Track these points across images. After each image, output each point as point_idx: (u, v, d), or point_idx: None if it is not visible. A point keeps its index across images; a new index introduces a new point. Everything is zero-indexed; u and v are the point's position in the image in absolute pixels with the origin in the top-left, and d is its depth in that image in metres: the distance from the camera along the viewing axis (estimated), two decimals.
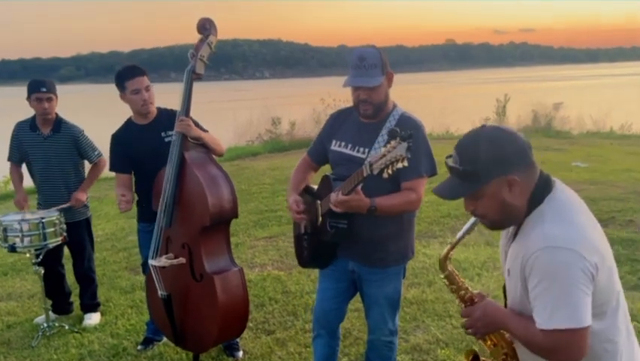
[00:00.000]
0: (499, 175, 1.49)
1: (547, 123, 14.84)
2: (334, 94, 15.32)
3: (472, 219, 1.69)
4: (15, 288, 4.80)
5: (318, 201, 2.56)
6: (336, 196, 2.29)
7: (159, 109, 3.33)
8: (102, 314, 4.10)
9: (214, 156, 3.21)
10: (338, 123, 2.64)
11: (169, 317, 3.13)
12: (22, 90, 3.98)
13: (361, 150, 2.46)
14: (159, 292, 3.11)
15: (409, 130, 2.03)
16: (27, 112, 3.95)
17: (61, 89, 4.18)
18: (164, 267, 3.05)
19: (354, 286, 2.67)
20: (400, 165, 2.03)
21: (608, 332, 1.51)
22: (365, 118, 2.48)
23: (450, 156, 1.57)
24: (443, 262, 1.77)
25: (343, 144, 2.55)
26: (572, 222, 1.47)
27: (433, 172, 2.44)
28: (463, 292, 1.74)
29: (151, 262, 3.08)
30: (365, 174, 2.16)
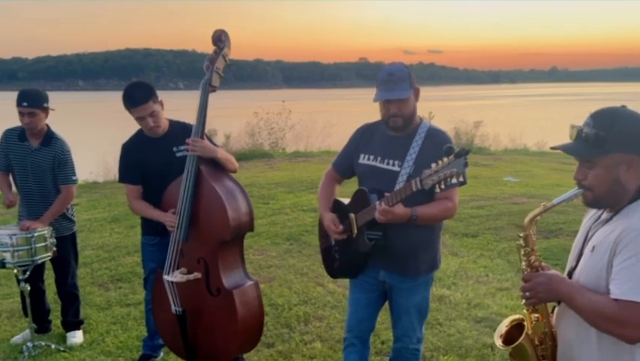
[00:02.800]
0: (624, 150, 1.55)
1: (468, 140, 15.76)
2: (268, 107, 15.47)
3: (574, 191, 1.70)
4: None
5: (352, 215, 2.63)
6: (380, 207, 2.38)
7: (171, 122, 3.25)
8: (83, 332, 3.89)
9: None
10: (366, 137, 2.73)
11: (182, 333, 3.05)
12: None
13: (391, 162, 2.57)
14: (173, 308, 3.04)
15: (462, 147, 2.18)
16: None
17: None
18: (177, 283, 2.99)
19: (384, 296, 2.76)
20: (454, 181, 2.16)
21: None
22: (394, 131, 2.58)
23: (577, 126, 1.62)
24: (529, 223, 1.76)
25: (372, 157, 2.64)
26: None
27: (464, 182, 2.60)
28: (533, 257, 1.75)
29: (166, 277, 3.00)
30: (415, 189, 2.27)
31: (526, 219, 1.78)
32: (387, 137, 2.63)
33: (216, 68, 3.05)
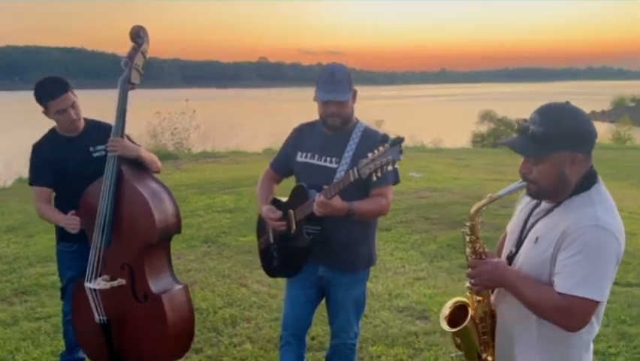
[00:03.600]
0: (568, 148, 1.60)
1: None
2: (168, 107, 15.01)
3: (518, 183, 1.74)
4: None
5: (291, 211, 2.64)
6: (318, 199, 2.40)
7: (87, 120, 3.06)
8: None
9: None
10: (303, 136, 2.76)
11: (107, 343, 2.89)
12: None
13: (328, 159, 2.61)
14: (97, 318, 2.87)
15: (397, 137, 2.26)
16: None
17: None
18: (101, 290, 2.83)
19: (321, 293, 2.79)
20: (389, 168, 2.25)
21: (598, 313, 1.70)
22: (332, 130, 2.63)
23: (524, 120, 1.65)
24: (475, 213, 1.81)
25: (309, 154, 2.67)
26: (616, 214, 1.65)
27: (397, 180, 2.69)
28: (478, 245, 1.81)
29: (88, 285, 2.83)
30: (352, 179, 2.33)
31: (473, 210, 1.83)
32: (324, 135, 2.66)
33: (135, 65, 2.93)
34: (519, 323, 1.76)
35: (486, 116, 19.27)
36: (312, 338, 3.68)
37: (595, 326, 1.73)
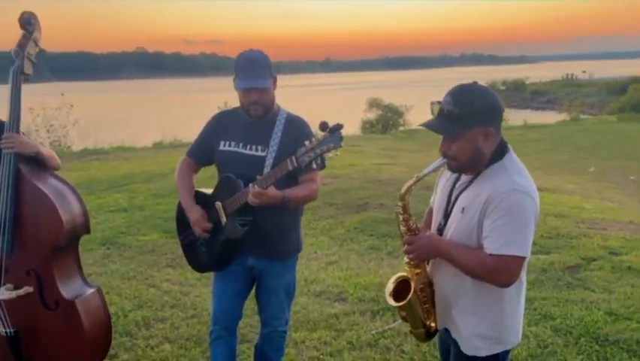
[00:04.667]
0: (481, 125, 1.77)
1: None
2: (41, 103, 13.90)
3: (440, 161, 1.88)
4: None
5: (219, 203, 2.56)
6: (254, 189, 2.35)
7: None
8: None
9: None
10: (223, 124, 2.67)
11: (16, 356, 2.63)
12: None
13: (255, 147, 2.56)
14: (2, 330, 2.60)
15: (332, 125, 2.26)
16: None
17: None
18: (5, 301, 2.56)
19: (251, 283, 2.75)
20: (331, 155, 2.25)
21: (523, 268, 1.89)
22: (255, 119, 2.58)
23: (437, 102, 1.80)
24: (405, 193, 1.92)
25: (234, 143, 2.60)
26: (529, 177, 1.84)
27: (323, 166, 2.69)
28: (412, 222, 1.94)
29: None
30: (291, 168, 2.30)
31: (403, 190, 1.93)
32: (248, 123, 2.60)
33: (27, 54, 2.67)
34: (455, 288, 1.91)
35: (373, 104, 19.95)
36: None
37: (523, 280, 1.92)
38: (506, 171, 1.81)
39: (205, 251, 2.66)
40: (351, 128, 17.19)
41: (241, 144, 2.59)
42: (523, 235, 1.76)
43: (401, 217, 1.95)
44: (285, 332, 2.80)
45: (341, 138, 2.23)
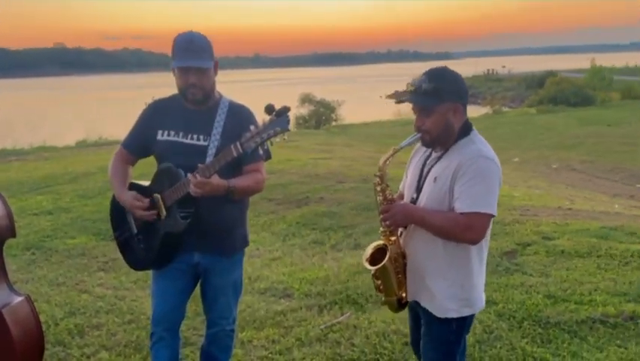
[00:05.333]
0: (452, 100, 1.97)
1: None
2: None
3: (415, 135, 2.04)
4: None
5: (157, 195, 2.39)
6: (196, 179, 2.21)
7: None
8: None
9: None
10: (160, 113, 2.51)
11: None
12: None
13: (196, 136, 2.42)
14: None
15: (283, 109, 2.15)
16: None
17: None
18: None
19: (194, 281, 2.60)
20: (278, 140, 2.14)
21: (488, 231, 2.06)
22: (194, 104, 2.43)
23: (413, 82, 1.98)
24: (383, 164, 2.07)
25: (174, 132, 2.45)
26: (492, 150, 2.03)
27: (269, 156, 2.58)
28: (388, 191, 2.08)
29: None
30: (236, 154, 2.18)
31: (381, 162, 2.08)
32: (188, 111, 2.45)
33: None
34: (428, 254, 2.06)
35: (306, 99, 19.96)
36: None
37: (485, 244, 2.08)
38: (473, 143, 2.01)
39: (144, 248, 2.48)
40: None
41: (181, 133, 2.43)
42: (490, 195, 1.93)
43: (378, 187, 2.08)
44: (232, 331, 2.69)
45: (288, 122, 2.13)
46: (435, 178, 2.02)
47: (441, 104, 1.96)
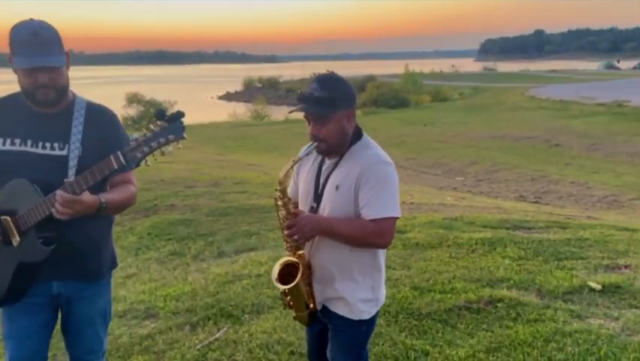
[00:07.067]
0: (345, 107, 1.97)
1: None
2: None
3: (310, 145, 2.00)
4: None
5: (7, 218, 1.96)
6: (62, 198, 1.85)
7: None
8: None
9: None
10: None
11: None
12: None
13: (50, 145, 2.04)
14: None
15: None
16: None
17: None
18: None
19: (55, 315, 2.20)
20: (171, 149, 1.88)
21: None
22: (44, 107, 2.03)
23: (305, 90, 1.95)
24: (283, 178, 2.00)
25: (19, 141, 2.04)
26: (385, 151, 2.04)
27: (138, 164, 2.27)
28: (292, 205, 2.01)
29: None
30: (117, 166, 1.87)
31: (281, 175, 1.99)
32: (36, 114, 2.05)
33: None
34: (336, 261, 2.04)
35: (133, 99, 18.78)
36: None
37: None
38: (369, 147, 2.03)
39: None
40: None
41: (29, 142, 2.03)
42: (394, 199, 1.97)
43: (280, 202, 2.00)
44: None
45: (183, 128, 1.87)
46: (337, 186, 2.00)
47: (336, 112, 1.95)
